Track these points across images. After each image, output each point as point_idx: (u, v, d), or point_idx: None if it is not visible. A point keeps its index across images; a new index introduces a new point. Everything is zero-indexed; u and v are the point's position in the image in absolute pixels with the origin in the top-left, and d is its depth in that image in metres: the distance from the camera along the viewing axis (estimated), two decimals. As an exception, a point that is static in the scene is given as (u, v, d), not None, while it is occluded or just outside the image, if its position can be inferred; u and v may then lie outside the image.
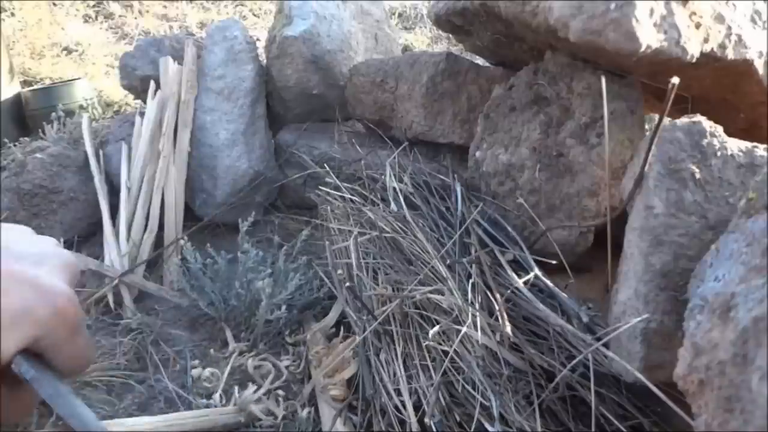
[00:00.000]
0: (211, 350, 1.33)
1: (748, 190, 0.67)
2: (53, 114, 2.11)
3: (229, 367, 1.25)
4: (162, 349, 1.37)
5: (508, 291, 1.06)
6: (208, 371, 1.25)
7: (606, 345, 0.89)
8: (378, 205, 1.44)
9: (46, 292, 0.36)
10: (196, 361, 1.31)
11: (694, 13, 1.02)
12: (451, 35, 1.74)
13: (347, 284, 1.11)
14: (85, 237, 1.82)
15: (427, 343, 1.00)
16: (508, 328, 0.94)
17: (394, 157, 1.59)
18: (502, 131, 1.39)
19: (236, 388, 1.18)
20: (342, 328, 1.27)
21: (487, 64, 1.75)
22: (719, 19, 1.05)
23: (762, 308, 0.50)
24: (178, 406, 1.19)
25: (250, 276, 1.39)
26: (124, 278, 1.55)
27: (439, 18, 1.48)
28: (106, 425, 0.86)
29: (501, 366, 0.95)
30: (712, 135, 0.85)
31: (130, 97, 2.77)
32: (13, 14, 3.60)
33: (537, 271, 1.09)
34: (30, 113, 2.56)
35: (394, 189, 1.43)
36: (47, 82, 3.07)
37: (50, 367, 0.36)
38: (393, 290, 1.19)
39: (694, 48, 1.01)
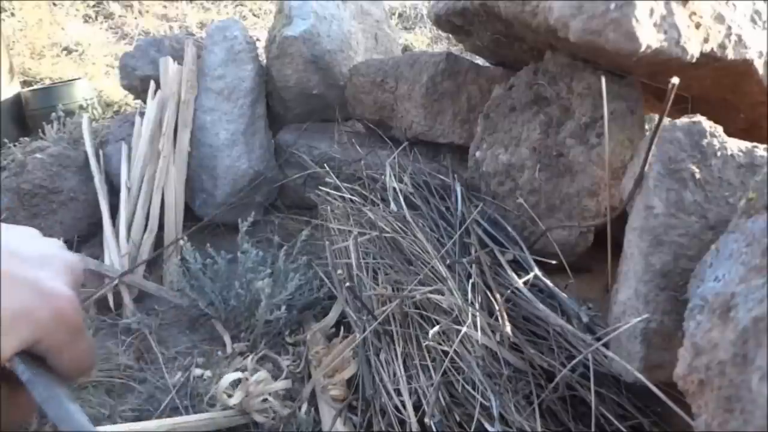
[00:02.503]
0: (211, 350, 1.33)
1: (748, 190, 0.67)
2: (53, 114, 2.11)
3: (230, 368, 1.24)
4: (162, 349, 1.37)
5: (508, 291, 1.06)
6: (208, 372, 1.25)
7: (606, 345, 0.89)
8: (378, 205, 1.44)
9: (46, 294, 0.35)
10: (197, 361, 1.31)
11: (694, 13, 1.02)
12: (451, 35, 1.74)
13: (347, 284, 1.11)
14: (85, 237, 1.82)
15: (427, 343, 1.00)
16: (508, 328, 0.94)
17: (394, 157, 1.59)
18: (502, 131, 1.39)
19: (238, 389, 1.18)
20: (342, 328, 1.27)
21: (487, 64, 1.75)
22: (719, 19, 1.05)
23: (762, 308, 0.50)
24: (178, 407, 1.19)
25: (250, 276, 1.38)
26: (124, 278, 1.55)
27: (439, 18, 1.48)
28: (109, 429, 0.85)
29: (501, 366, 0.95)
30: (712, 135, 0.85)
31: (130, 97, 2.77)
32: (13, 14, 3.60)
33: (537, 271, 1.09)
34: (30, 113, 2.56)
35: (394, 189, 1.43)
36: (47, 82, 3.07)
37: (52, 370, 0.35)
38: (393, 290, 1.19)
39: (694, 48, 1.01)
